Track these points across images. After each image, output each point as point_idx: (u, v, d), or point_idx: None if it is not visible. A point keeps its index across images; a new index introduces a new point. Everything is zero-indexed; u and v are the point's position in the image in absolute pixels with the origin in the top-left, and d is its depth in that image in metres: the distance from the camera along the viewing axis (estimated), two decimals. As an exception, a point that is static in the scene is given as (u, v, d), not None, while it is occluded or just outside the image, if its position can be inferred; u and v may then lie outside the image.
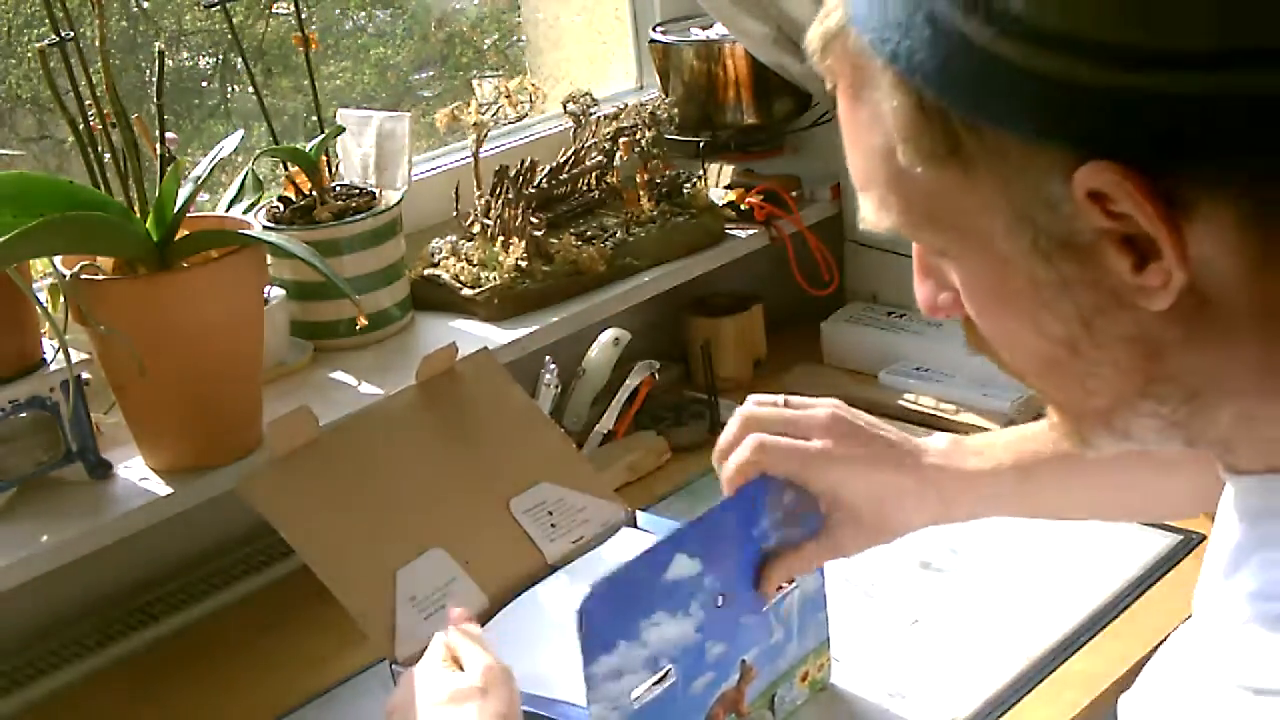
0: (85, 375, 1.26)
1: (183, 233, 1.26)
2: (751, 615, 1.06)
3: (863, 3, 0.63)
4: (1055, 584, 1.28)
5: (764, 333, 1.77)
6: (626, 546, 1.23)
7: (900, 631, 1.23)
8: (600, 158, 1.73)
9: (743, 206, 1.76)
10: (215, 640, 1.34)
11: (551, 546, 1.21)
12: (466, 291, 1.57)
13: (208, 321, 1.24)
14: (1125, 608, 1.24)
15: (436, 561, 1.16)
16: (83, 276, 1.23)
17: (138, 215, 1.24)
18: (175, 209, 1.24)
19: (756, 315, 1.76)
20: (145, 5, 1.80)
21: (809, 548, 1.07)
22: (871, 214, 0.70)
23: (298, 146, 1.53)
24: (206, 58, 1.91)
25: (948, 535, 1.30)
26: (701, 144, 1.83)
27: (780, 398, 1.11)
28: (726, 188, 1.81)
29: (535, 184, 1.65)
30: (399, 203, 1.54)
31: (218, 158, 1.32)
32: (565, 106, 1.76)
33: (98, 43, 1.21)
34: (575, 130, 1.76)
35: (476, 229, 1.62)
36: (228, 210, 1.39)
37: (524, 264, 1.58)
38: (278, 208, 1.52)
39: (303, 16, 1.54)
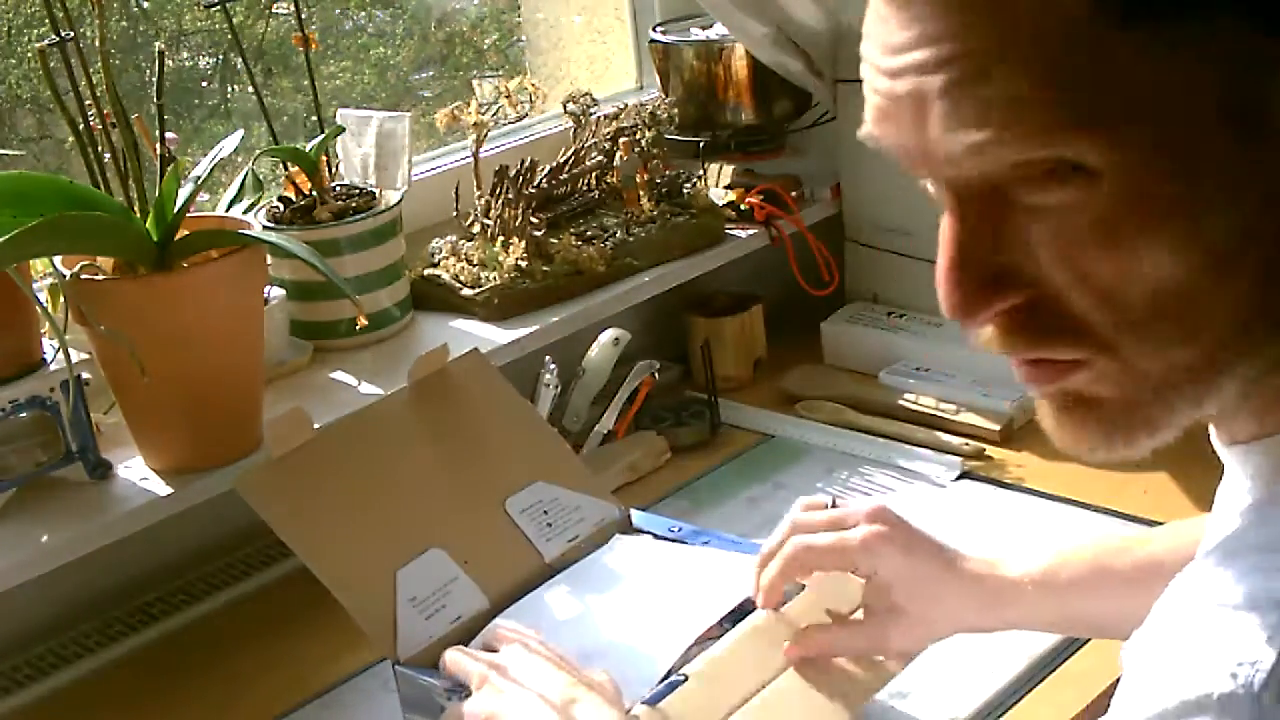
0: (85, 375, 1.26)
1: (183, 233, 1.26)
2: None
3: None
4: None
5: (764, 333, 1.77)
6: (627, 554, 1.23)
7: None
8: (600, 158, 1.73)
9: (743, 206, 1.76)
10: (215, 640, 1.34)
11: (548, 546, 1.22)
12: (466, 291, 1.57)
13: (208, 321, 1.24)
14: (1125, 608, 1.24)
15: (436, 562, 1.16)
16: (83, 276, 1.23)
17: (138, 215, 1.24)
18: (175, 209, 1.24)
19: (756, 315, 1.76)
20: (145, 5, 1.80)
21: (849, 630, 1.08)
22: (967, 120, 0.59)
23: (298, 146, 1.53)
24: (206, 58, 1.91)
25: (948, 536, 1.29)
26: (701, 144, 1.83)
27: (829, 499, 1.13)
28: (726, 188, 1.81)
29: (535, 184, 1.65)
30: (399, 203, 1.54)
31: (218, 158, 1.32)
32: (565, 106, 1.76)
33: (98, 43, 1.21)
34: (575, 130, 1.76)
35: (476, 229, 1.62)
36: (228, 210, 1.39)
37: (524, 264, 1.58)
38: (278, 208, 1.52)
39: (303, 16, 1.54)
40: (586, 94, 1.76)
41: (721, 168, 1.86)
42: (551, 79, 2.03)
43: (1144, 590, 0.86)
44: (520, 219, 1.59)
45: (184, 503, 1.28)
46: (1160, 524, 1.34)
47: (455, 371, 1.28)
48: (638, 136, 1.73)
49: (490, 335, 1.52)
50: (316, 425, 1.20)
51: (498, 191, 1.60)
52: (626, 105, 1.77)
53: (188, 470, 1.29)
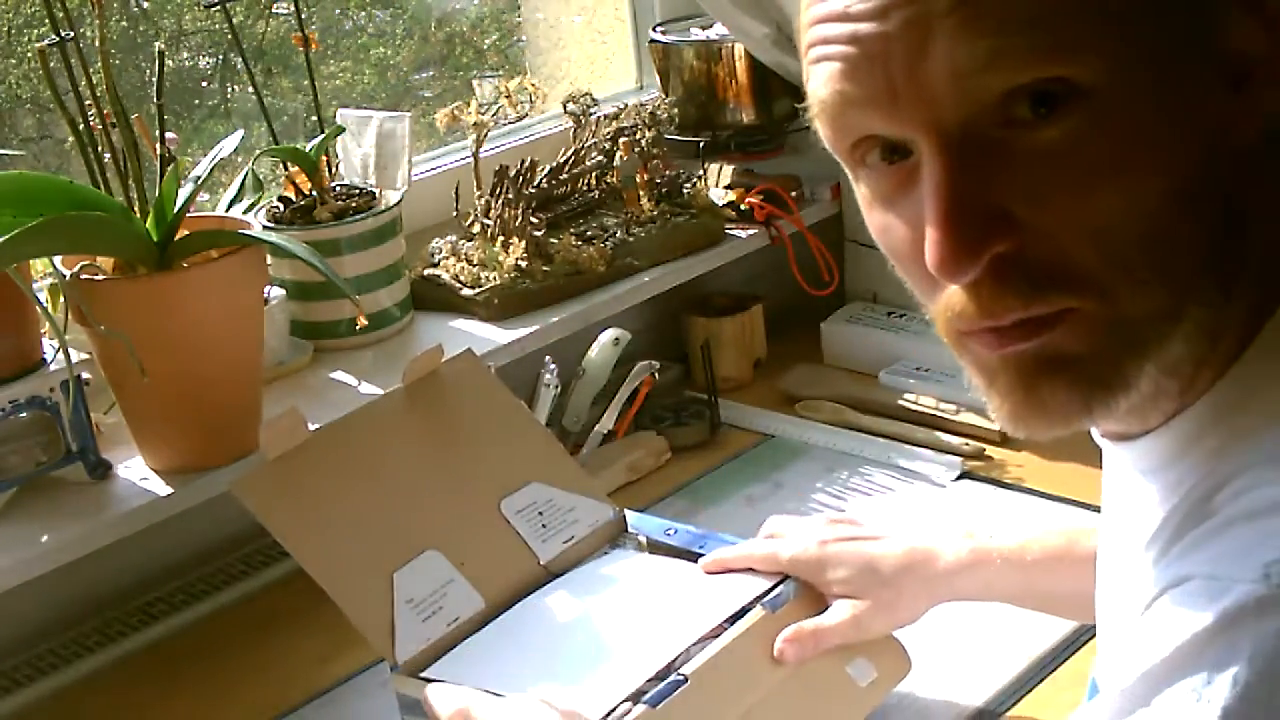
0: (85, 375, 1.26)
1: (183, 233, 1.26)
2: None
3: None
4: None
5: (764, 333, 1.77)
6: (622, 563, 1.22)
7: (900, 631, 1.23)
8: (600, 158, 1.73)
9: (743, 206, 1.76)
10: (215, 640, 1.34)
11: (544, 547, 1.21)
12: (466, 291, 1.57)
13: (208, 321, 1.24)
14: (1125, 608, 1.24)
15: (432, 563, 1.15)
16: (83, 276, 1.23)
17: (138, 215, 1.24)
18: (175, 209, 1.24)
19: (756, 315, 1.76)
20: (145, 5, 1.80)
21: (830, 627, 1.09)
22: (977, 33, 0.61)
23: (298, 146, 1.53)
24: (206, 58, 1.91)
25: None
26: (701, 144, 1.83)
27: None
28: (726, 188, 1.81)
29: (535, 184, 1.65)
30: (399, 203, 1.54)
31: (218, 158, 1.32)
32: (565, 106, 1.76)
33: (98, 43, 1.21)
34: (575, 130, 1.76)
35: (476, 229, 1.62)
36: (228, 210, 1.39)
37: (524, 264, 1.58)
38: (278, 208, 1.52)
39: (303, 16, 1.54)
40: (586, 94, 1.76)
41: (721, 168, 1.86)
42: (551, 79, 2.03)
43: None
44: (520, 219, 1.59)
45: (184, 503, 1.28)
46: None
47: (449, 373, 1.28)
48: (638, 136, 1.73)
49: (490, 335, 1.52)
50: (316, 426, 1.20)
51: (498, 191, 1.60)
52: (626, 105, 1.77)
53: (187, 470, 1.29)
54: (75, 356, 1.23)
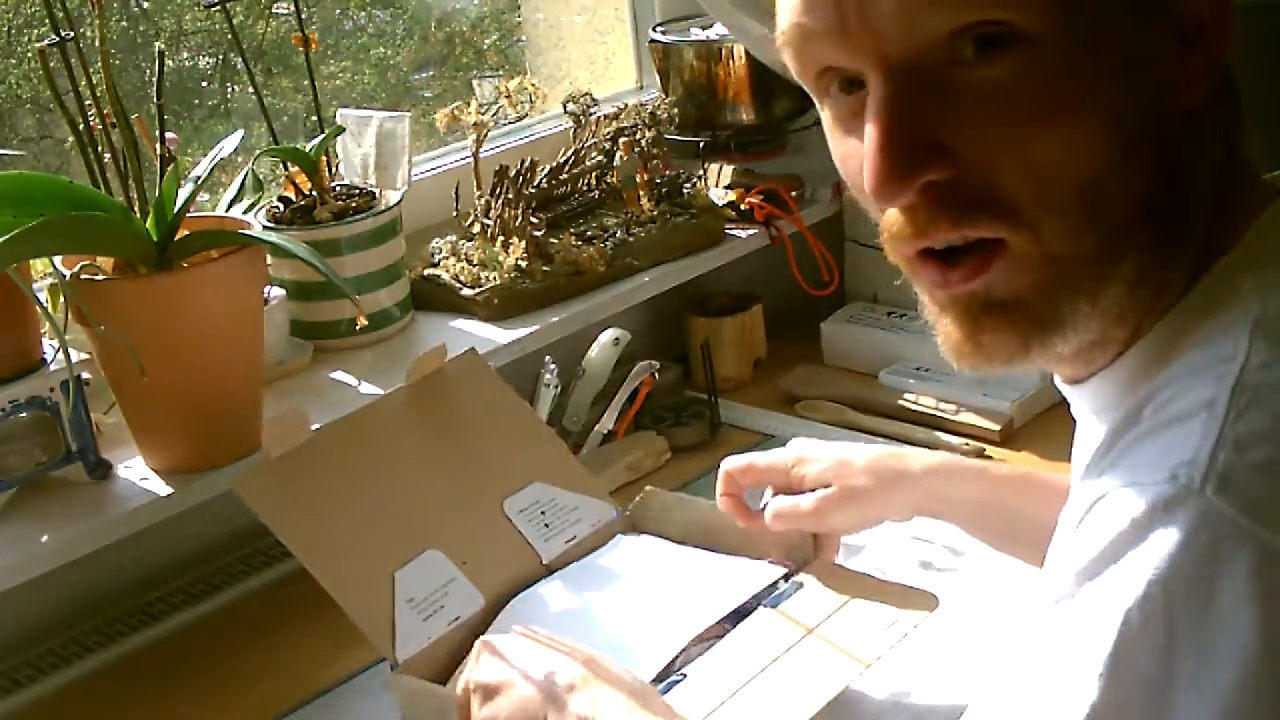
0: (85, 375, 1.26)
1: (183, 233, 1.26)
2: None
3: None
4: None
5: (764, 333, 1.77)
6: (625, 553, 1.23)
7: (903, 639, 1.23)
8: (600, 158, 1.73)
9: (743, 206, 1.76)
10: (215, 640, 1.34)
11: (546, 546, 1.22)
12: (466, 291, 1.57)
13: (208, 321, 1.24)
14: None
15: (433, 562, 1.16)
16: (83, 276, 1.23)
17: (138, 215, 1.24)
18: (175, 209, 1.24)
19: (756, 315, 1.76)
20: (145, 5, 1.80)
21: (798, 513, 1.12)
22: None
23: (298, 146, 1.53)
24: (206, 58, 1.91)
25: (948, 536, 1.30)
26: (701, 144, 1.83)
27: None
28: (726, 188, 1.81)
29: (535, 184, 1.65)
30: (399, 203, 1.54)
31: (218, 158, 1.32)
32: (565, 106, 1.76)
33: (98, 43, 1.21)
34: (575, 130, 1.76)
35: (476, 229, 1.62)
36: (228, 210, 1.39)
37: (524, 264, 1.58)
38: (278, 208, 1.52)
39: (303, 16, 1.54)
40: (586, 94, 1.77)
41: (721, 168, 1.86)
42: (551, 79, 2.03)
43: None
44: (520, 219, 1.59)
45: (184, 503, 1.28)
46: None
47: (452, 372, 1.28)
48: (638, 136, 1.73)
49: (490, 335, 1.52)
50: (316, 426, 1.20)
51: (498, 191, 1.60)
52: (626, 105, 1.77)
53: (187, 470, 1.29)
54: (75, 356, 1.23)
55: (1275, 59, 1.24)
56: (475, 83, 1.91)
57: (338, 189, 1.55)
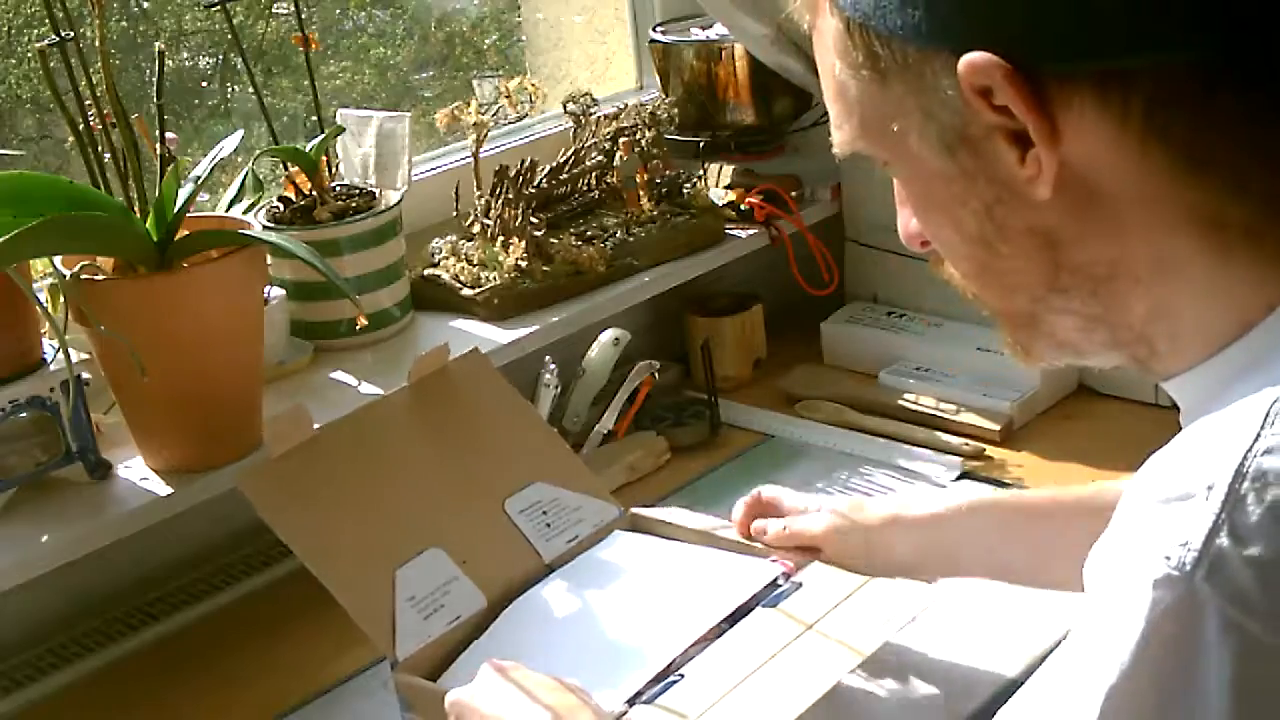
0: (85, 375, 1.26)
1: (183, 233, 1.26)
2: None
3: None
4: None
5: (764, 333, 1.77)
6: (624, 550, 1.23)
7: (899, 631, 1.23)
8: (600, 158, 1.73)
9: (743, 206, 1.76)
10: (215, 640, 1.34)
11: (547, 546, 1.22)
12: (466, 291, 1.57)
13: (208, 321, 1.24)
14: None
15: (435, 561, 1.16)
16: (83, 276, 1.23)
17: (138, 215, 1.24)
18: (175, 209, 1.24)
19: (756, 315, 1.76)
20: (145, 5, 1.80)
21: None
22: (835, 131, 0.78)
23: (298, 146, 1.53)
24: (206, 58, 1.91)
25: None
26: (701, 144, 1.83)
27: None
28: (726, 188, 1.81)
29: (535, 184, 1.65)
30: (399, 203, 1.54)
31: (218, 158, 1.32)
32: (565, 106, 1.76)
33: (98, 43, 1.21)
34: (575, 130, 1.76)
35: (476, 229, 1.62)
36: (228, 210, 1.39)
37: (524, 264, 1.58)
38: (278, 208, 1.52)
39: (303, 16, 1.54)
40: (586, 94, 1.77)
41: (721, 168, 1.86)
42: (551, 79, 2.03)
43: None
44: (520, 219, 1.59)
45: (184, 503, 1.28)
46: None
47: (455, 371, 1.28)
48: (638, 136, 1.73)
49: (490, 335, 1.52)
50: (317, 425, 1.20)
51: (498, 191, 1.60)
52: (626, 105, 1.77)
53: (188, 470, 1.29)
54: (75, 356, 1.23)
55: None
56: (475, 83, 1.91)
57: (338, 189, 1.55)
